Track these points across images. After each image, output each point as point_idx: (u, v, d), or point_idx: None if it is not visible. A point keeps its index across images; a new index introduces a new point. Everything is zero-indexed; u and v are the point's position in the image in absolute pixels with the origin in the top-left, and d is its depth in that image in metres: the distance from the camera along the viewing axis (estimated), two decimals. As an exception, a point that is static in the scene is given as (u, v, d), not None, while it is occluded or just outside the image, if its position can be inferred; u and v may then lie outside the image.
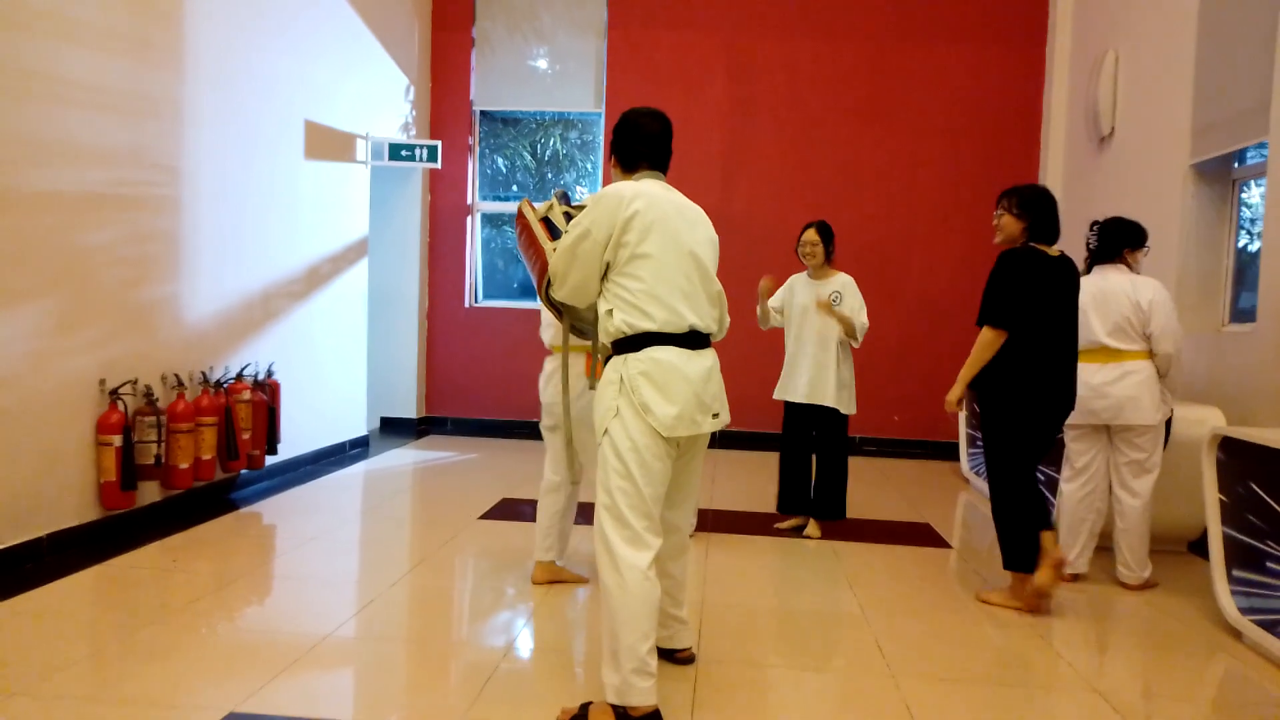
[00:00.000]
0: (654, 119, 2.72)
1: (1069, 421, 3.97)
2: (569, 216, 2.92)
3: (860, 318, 4.59)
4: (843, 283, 4.68)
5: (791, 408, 4.80)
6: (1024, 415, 3.61)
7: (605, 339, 2.60)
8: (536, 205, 2.97)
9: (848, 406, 4.69)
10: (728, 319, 2.78)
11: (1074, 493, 4.08)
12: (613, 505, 2.50)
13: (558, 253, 2.63)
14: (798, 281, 4.83)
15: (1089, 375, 3.91)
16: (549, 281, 2.71)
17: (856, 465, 7.06)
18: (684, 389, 2.51)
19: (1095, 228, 4.12)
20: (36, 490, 3.82)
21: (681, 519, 2.83)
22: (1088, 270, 4.17)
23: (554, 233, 2.86)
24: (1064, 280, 3.63)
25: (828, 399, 4.62)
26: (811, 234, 4.71)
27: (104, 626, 3.14)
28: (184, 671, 2.76)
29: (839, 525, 4.93)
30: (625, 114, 2.75)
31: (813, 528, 4.77)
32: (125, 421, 4.17)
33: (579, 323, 2.86)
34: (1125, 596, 3.92)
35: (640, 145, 2.70)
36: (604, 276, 2.60)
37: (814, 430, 4.75)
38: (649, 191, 2.58)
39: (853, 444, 7.68)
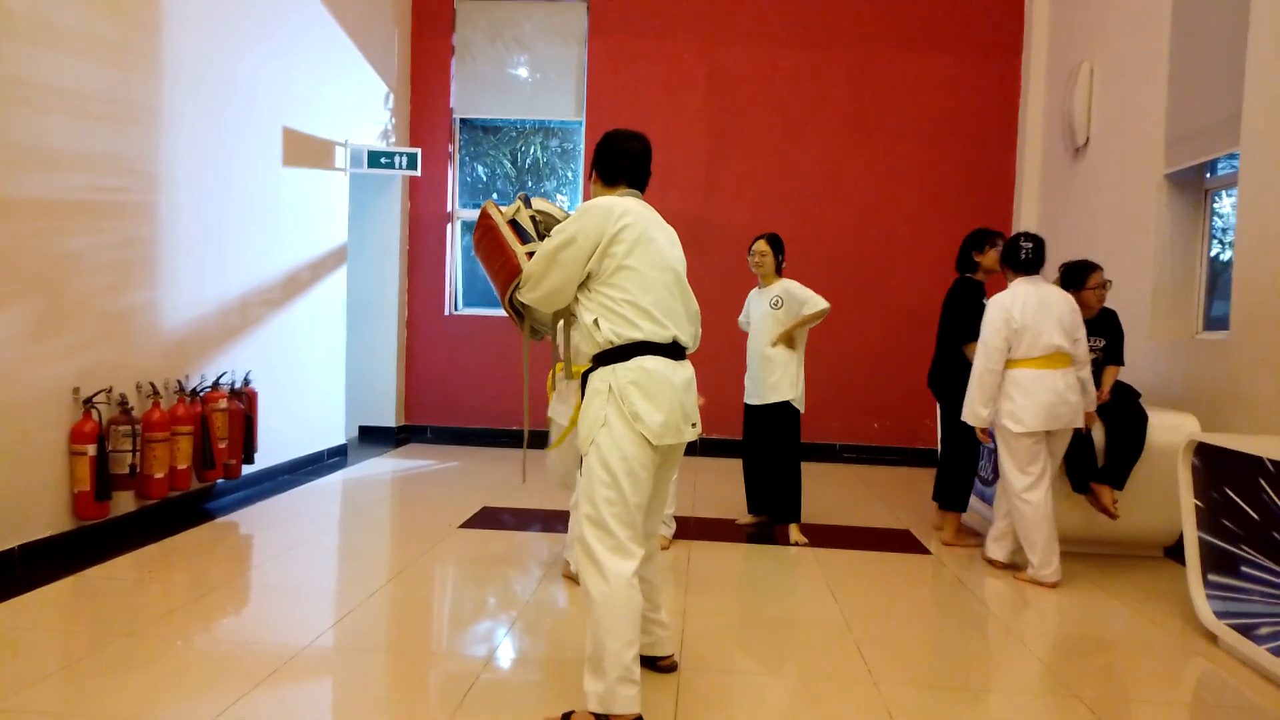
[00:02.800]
0: (635, 139, 2.79)
1: (1032, 429, 4.08)
2: (535, 220, 2.93)
3: (808, 309, 4.73)
4: (783, 288, 4.85)
5: (750, 411, 4.99)
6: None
7: (592, 349, 2.62)
8: (502, 208, 2.97)
9: (800, 403, 4.86)
10: (700, 335, 2.82)
11: (1043, 500, 4.11)
12: (597, 515, 2.50)
13: (536, 256, 2.65)
14: (752, 295, 5.08)
15: (1054, 381, 4.09)
16: (516, 284, 2.73)
17: (838, 472, 7.10)
18: (671, 397, 2.55)
19: (1032, 240, 4.25)
20: (8, 501, 3.76)
21: (655, 525, 2.86)
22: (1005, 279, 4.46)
23: (522, 236, 2.85)
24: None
25: (780, 395, 4.79)
26: (762, 244, 4.94)
27: (77, 639, 3.09)
28: (159, 685, 2.72)
29: (820, 532, 4.97)
30: (608, 133, 2.82)
31: (795, 533, 4.82)
32: (100, 431, 4.12)
33: (537, 324, 2.90)
34: (1104, 602, 3.95)
35: (623, 160, 2.76)
36: (581, 285, 2.63)
37: (768, 431, 4.89)
38: (633, 208, 2.63)
39: (833, 451, 7.73)
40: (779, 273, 4.95)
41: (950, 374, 4.77)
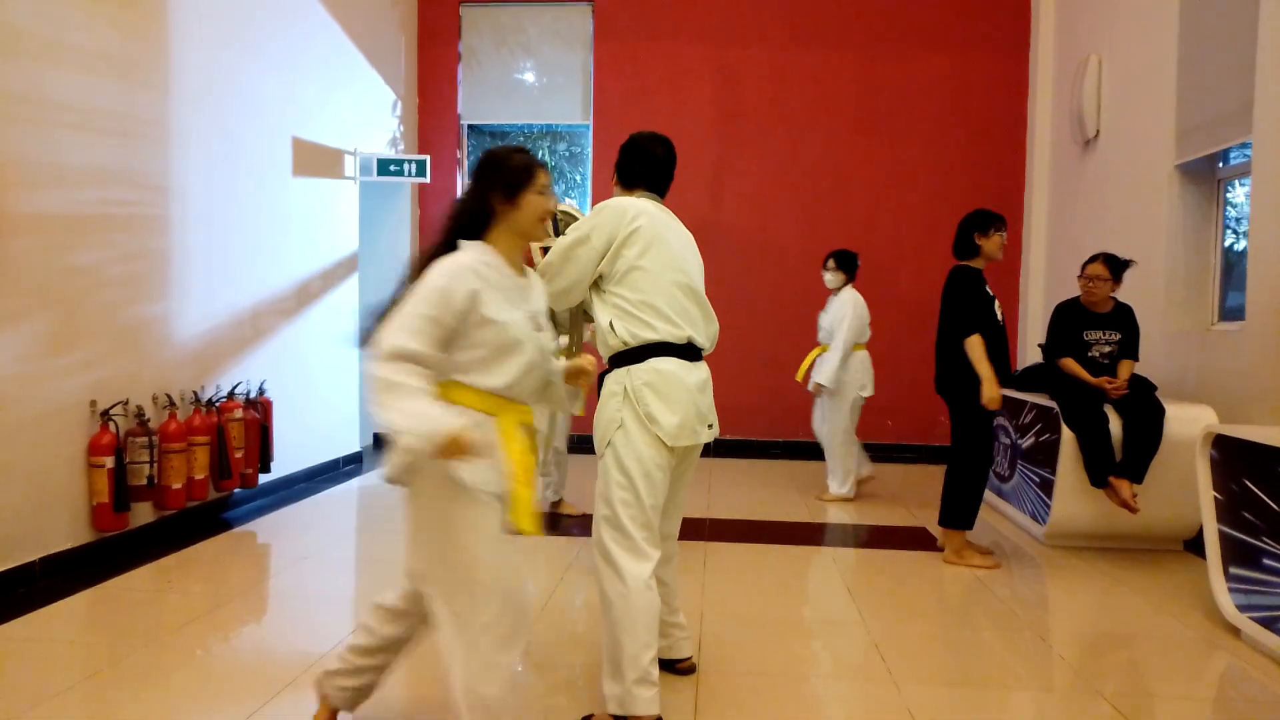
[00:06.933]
0: (659, 144, 2.80)
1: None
2: (556, 218, 2.97)
3: None
4: None
5: None
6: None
7: (607, 351, 2.63)
8: None
9: None
10: (716, 336, 2.82)
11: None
12: (614, 516, 2.51)
13: (551, 251, 2.67)
14: None
15: None
16: None
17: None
18: (685, 399, 2.55)
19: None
20: (28, 514, 3.79)
21: (672, 528, 2.86)
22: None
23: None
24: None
25: None
26: None
27: (98, 651, 3.11)
28: (179, 695, 2.74)
29: (835, 531, 4.94)
30: (632, 136, 2.82)
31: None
32: (117, 442, 4.14)
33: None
34: (1125, 597, 3.92)
35: (640, 166, 2.77)
36: (595, 287, 2.65)
37: None
38: (648, 210, 2.64)
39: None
40: None
41: (957, 374, 4.30)
